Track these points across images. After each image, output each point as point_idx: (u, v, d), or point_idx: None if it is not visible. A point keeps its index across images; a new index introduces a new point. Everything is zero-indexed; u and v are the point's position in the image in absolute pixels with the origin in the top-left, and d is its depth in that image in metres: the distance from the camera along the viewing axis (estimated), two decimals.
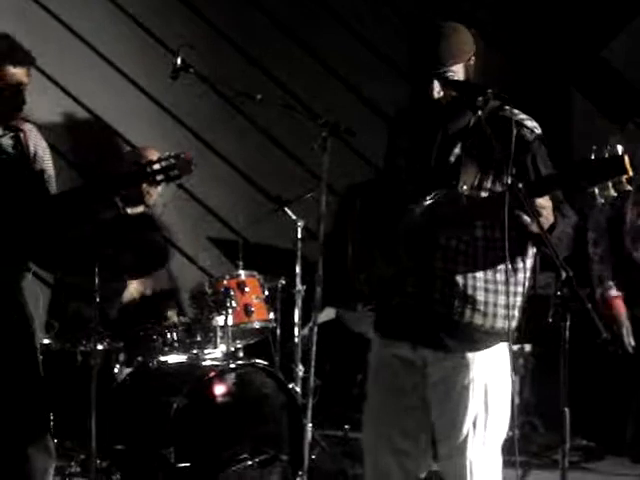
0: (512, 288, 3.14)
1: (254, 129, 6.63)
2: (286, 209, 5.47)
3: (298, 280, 5.34)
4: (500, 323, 3.15)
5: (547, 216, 3.00)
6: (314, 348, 4.33)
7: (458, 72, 3.12)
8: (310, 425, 4.55)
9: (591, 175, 2.84)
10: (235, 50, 6.67)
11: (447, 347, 3.16)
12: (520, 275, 3.16)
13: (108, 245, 4.17)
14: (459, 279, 3.12)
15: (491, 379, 3.19)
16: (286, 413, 4.75)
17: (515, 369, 5.55)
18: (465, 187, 3.09)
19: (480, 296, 3.12)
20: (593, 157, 2.83)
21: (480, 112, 3.06)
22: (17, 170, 3.90)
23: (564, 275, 2.77)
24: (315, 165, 4.73)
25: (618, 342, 4.75)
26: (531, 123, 3.13)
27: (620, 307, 4.77)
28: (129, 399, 4.70)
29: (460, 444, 3.18)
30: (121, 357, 4.81)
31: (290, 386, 4.92)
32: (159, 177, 3.80)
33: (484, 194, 3.10)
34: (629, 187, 2.84)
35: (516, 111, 3.16)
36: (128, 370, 4.82)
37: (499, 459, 3.25)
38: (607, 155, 2.82)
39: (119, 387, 4.75)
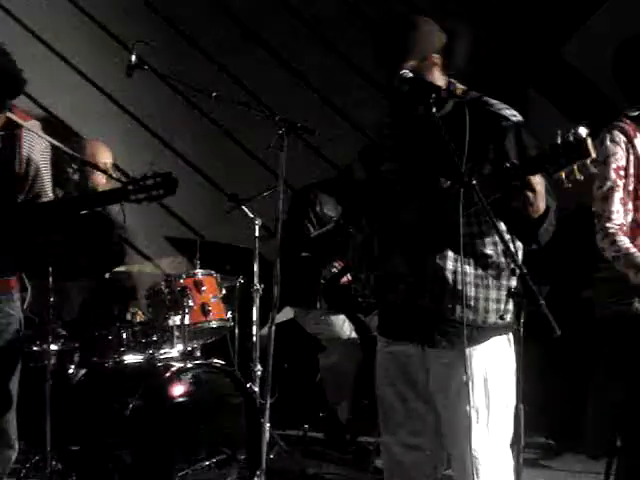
0: (504, 282, 3.11)
1: (211, 127, 6.59)
2: (244, 207, 5.43)
3: (256, 279, 5.30)
4: (493, 318, 3.11)
5: (537, 204, 2.94)
6: (272, 347, 4.30)
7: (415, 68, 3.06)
8: (268, 425, 4.51)
9: (557, 160, 2.81)
10: (192, 47, 6.63)
11: (440, 344, 3.12)
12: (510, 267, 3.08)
13: (63, 245, 4.08)
14: (449, 275, 3.08)
15: (490, 373, 3.12)
16: (244, 413, 4.71)
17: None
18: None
19: (470, 292, 3.08)
20: (559, 141, 2.79)
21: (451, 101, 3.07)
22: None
23: (518, 272, 2.75)
24: (273, 163, 4.70)
25: None
26: (509, 111, 3.09)
27: None
28: (84, 400, 4.65)
29: (463, 440, 3.09)
30: (76, 357, 4.75)
31: (248, 386, 4.89)
32: (141, 196, 3.65)
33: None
34: (594, 169, 2.81)
35: (494, 101, 3.13)
36: (83, 370, 4.77)
37: (508, 455, 3.11)
38: (572, 139, 2.77)
39: (74, 388, 4.70)
